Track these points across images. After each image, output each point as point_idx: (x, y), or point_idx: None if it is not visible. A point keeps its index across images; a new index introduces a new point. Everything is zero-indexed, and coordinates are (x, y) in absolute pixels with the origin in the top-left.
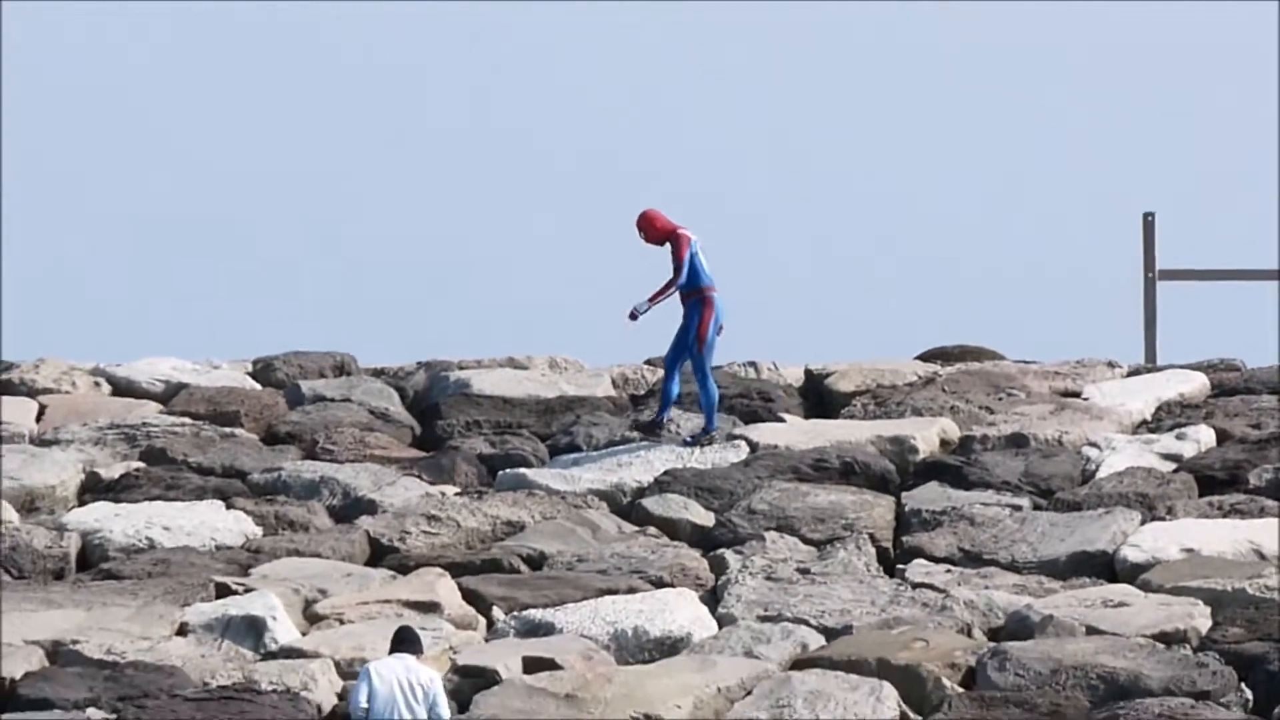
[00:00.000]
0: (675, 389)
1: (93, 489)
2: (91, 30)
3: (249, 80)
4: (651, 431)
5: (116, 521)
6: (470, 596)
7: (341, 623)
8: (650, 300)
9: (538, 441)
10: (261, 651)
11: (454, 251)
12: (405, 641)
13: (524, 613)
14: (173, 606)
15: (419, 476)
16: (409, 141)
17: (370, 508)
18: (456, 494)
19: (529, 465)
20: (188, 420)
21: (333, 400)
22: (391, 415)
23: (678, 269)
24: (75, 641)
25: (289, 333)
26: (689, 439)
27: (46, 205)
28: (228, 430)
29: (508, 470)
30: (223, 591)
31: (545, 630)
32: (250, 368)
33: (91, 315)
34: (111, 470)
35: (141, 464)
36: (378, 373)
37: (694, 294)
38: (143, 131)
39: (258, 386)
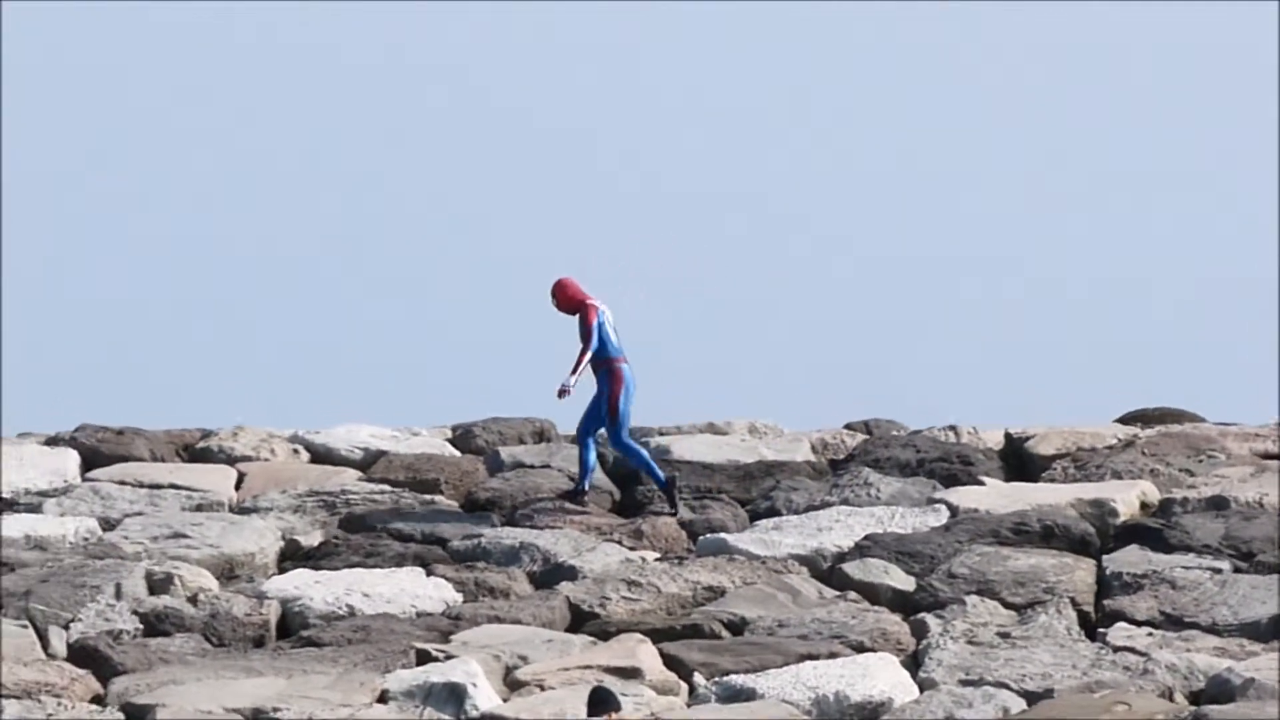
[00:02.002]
0: (591, 457)
1: (292, 556)
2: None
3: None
4: (574, 500)
5: (316, 589)
6: (671, 662)
7: (542, 689)
8: (572, 374)
9: (737, 506)
10: (462, 718)
11: (653, 317)
12: (602, 703)
13: (725, 678)
14: (373, 673)
15: (619, 542)
16: (599, 201)
17: (570, 574)
18: (657, 559)
19: (729, 530)
20: (387, 487)
21: (532, 467)
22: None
23: (585, 337)
24: (276, 709)
25: (488, 399)
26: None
27: (239, 272)
28: (427, 497)
29: (708, 535)
30: (423, 658)
31: (746, 696)
32: (450, 434)
33: (290, 382)
34: (311, 537)
35: (341, 531)
36: None
37: (602, 364)
38: (322, 186)
39: (457, 453)
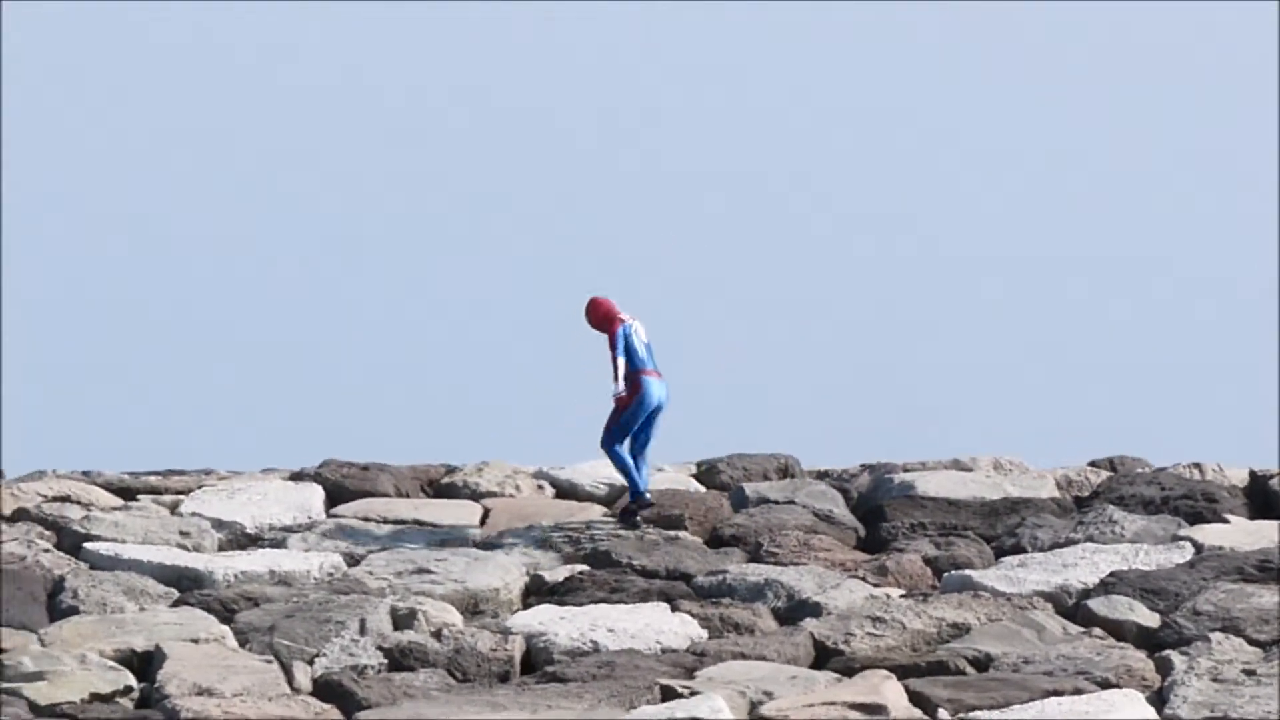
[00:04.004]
0: (634, 469)
1: (536, 592)
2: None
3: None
4: (632, 518)
5: (561, 624)
6: (916, 698)
7: None
8: (615, 381)
9: (983, 543)
10: None
11: (898, 353)
12: None
13: (970, 714)
14: (618, 709)
15: (863, 579)
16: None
17: (815, 610)
18: (901, 596)
19: (974, 567)
20: None
21: (777, 503)
22: (836, 517)
23: (611, 346)
24: None
25: (733, 435)
26: (619, 514)
27: (484, 311)
28: (672, 533)
29: (953, 572)
30: (668, 694)
31: None
32: (694, 470)
33: (535, 418)
34: (555, 573)
35: (585, 567)
36: (821, 475)
37: (628, 376)
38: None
39: (702, 489)
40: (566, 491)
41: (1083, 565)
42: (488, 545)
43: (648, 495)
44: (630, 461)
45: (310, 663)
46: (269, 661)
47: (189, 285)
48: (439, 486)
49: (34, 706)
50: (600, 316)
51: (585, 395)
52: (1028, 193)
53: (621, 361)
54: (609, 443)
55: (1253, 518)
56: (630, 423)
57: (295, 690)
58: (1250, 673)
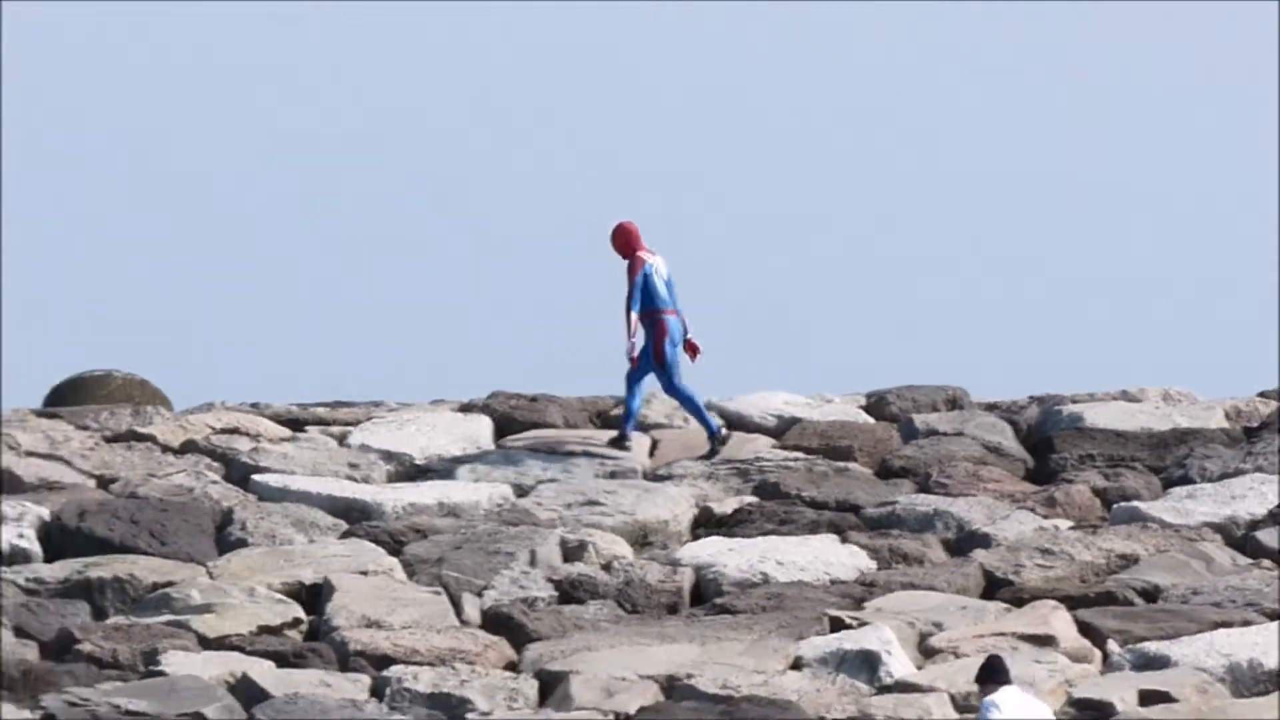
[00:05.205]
0: (636, 403)
1: (706, 524)
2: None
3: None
4: (619, 446)
5: (730, 556)
6: (1085, 629)
7: (956, 656)
8: (630, 338)
9: (1151, 474)
10: (876, 685)
11: (1067, 285)
12: (1003, 671)
13: (1139, 645)
14: (787, 640)
15: (1032, 510)
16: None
17: (984, 541)
18: (1070, 527)
19: (1142, 499)
20: (801, 454)
21: (946, 434)
22: (1004, 449)
23: (629, 293)
24: (690, 676)
25: (902, 366)
26: (710, 451)
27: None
28: (841, 464)
29: (1121, 504)
30: (837, 625)
31: (1160, 663)
32: (863, 401)
33: (709, 349)
34: (724, 505)
35: (755, 498)
36: (990, 407)
37: (647, 315)
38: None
39: (871, 420)
40: (735, 423)
41: (1251, 496)
42: (657, 477)
43: (631, 436)
44: (698, 399)
45: (479, 595)
46: (437, 593)
47: (362, 218)
48: (607, 418)
49: (202, 639)
50: (622, 244)
51: (752, 326)
52: (1205, 126)
53: (634, 317)
54: (670, 385)
55: None
56: (673, 360)
57: (464, 622)
58: None
